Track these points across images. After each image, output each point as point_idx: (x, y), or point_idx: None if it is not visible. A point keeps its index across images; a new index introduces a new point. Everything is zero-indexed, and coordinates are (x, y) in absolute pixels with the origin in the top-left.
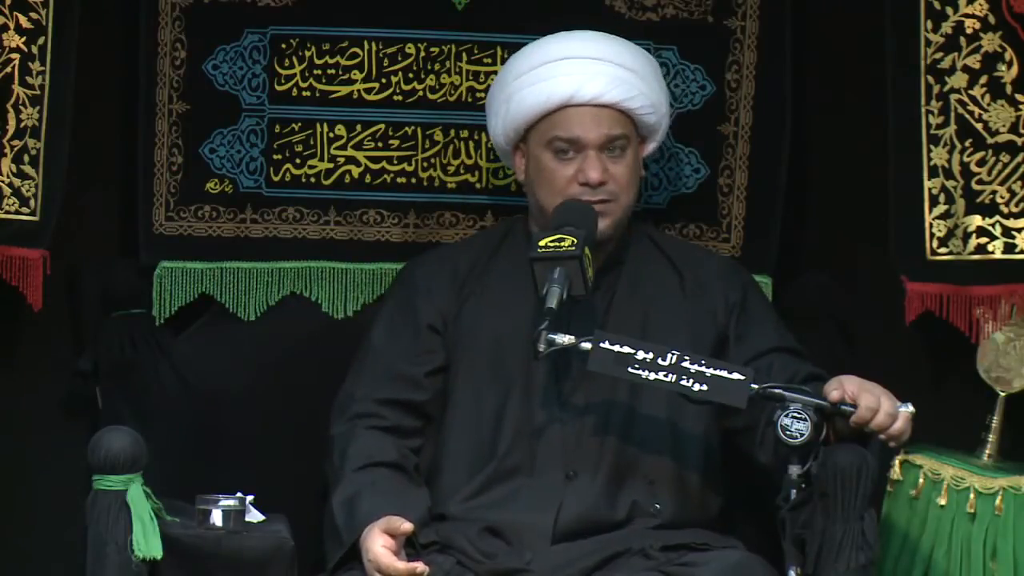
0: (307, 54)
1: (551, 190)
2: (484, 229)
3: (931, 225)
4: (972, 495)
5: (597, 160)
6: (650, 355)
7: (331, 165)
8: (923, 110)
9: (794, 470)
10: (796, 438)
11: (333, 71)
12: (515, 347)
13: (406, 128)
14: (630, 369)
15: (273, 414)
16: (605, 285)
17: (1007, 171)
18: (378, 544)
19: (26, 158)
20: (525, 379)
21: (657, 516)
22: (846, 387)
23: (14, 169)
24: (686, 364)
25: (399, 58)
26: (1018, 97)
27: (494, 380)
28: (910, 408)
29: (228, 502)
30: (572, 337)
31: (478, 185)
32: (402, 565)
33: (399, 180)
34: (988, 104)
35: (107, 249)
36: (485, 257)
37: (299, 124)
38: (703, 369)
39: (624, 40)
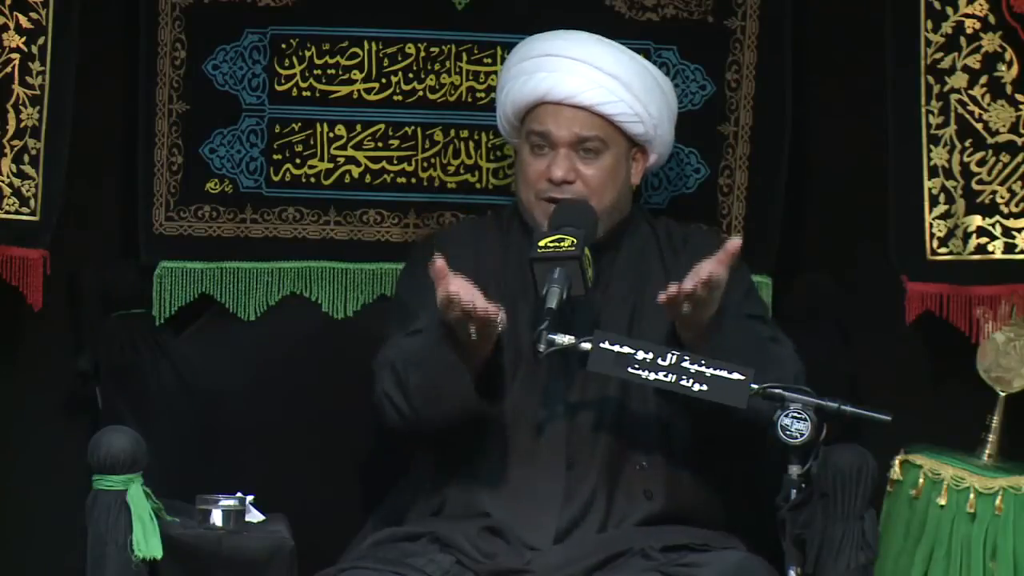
0: (307, 54)
1: (524, 183)
2: (494, 211)
3: (931, 225)
4: (972, 495)
5: (565, 159)
6: (650, 355)
7: (331, 165)
8: (923, 110)
9: (794, 470)
10: (796, 438)
11: (333, 71)
12: (515, 337)
13: (406, 128)
14: (630, 369)
15: (273, 414)
16: (602, 275)
17: (1007, 171)
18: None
19: (26, 158)
20: (525, 371)
21: (649, 506)
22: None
23: (14, 169)
24: (686, 364)
25: (399, 58)
26: (1018, 97)
27: None
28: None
29: (228, 502)
30: (572, 337)
31: (478, 185)
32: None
33: (399, 180)
34: (988, 104)
35: (107, 249)
36: (500, 241)
37: (299, 124)
38: (703, 369)
39: (618, 47)
